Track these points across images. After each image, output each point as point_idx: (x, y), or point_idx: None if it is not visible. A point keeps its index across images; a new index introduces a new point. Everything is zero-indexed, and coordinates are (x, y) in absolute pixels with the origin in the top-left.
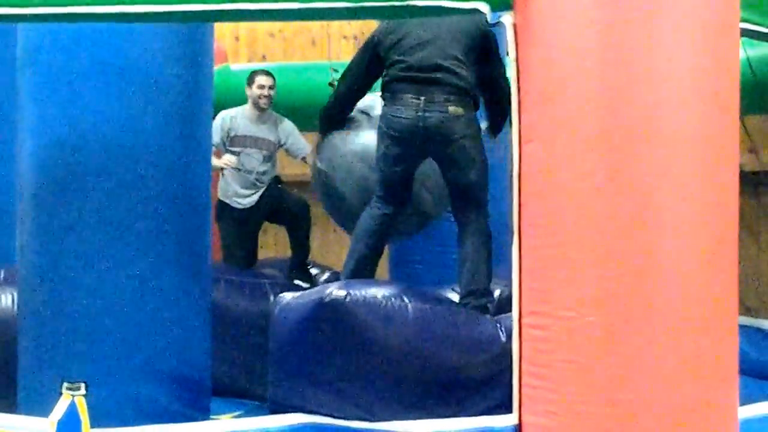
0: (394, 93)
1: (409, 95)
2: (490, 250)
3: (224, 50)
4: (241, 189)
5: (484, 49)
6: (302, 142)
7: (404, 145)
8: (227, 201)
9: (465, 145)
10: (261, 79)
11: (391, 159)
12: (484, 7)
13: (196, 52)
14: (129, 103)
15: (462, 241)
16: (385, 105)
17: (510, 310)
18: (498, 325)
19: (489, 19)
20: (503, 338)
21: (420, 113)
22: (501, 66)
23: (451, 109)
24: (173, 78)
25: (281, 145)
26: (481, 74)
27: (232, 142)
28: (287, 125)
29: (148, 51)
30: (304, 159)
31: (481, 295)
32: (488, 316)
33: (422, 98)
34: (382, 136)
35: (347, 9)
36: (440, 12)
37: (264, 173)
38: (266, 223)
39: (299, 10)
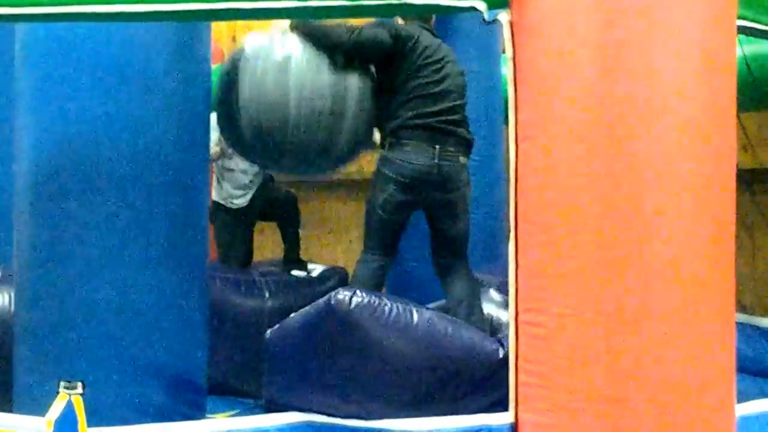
0: (403, 139)
1: (423, 143)
2: (479, 294)
3: (222, 50)
4: (234, 190)
5: None
6: None
7: (411, 191)
8: (222, 202)
9: (465, 193)
10: None
11: (393, 205)
12: (481, 5)
13: (194, 52)
14: (126, 102)
15: (450, 286)
16: (390, 150)
17: None
18: (499, 343)
19: (486, 17)
20: (501, 354)
21: (435, 160)
22: None
23: (462, 159)
24: (170, 77)
25: None
26: None
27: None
28: None
29: (146, 50)
30: None
31: None
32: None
33: (437, 147)
34: (385, 181)
35: (343, 7)
36: (436, 11)
37: (257, 173)
38: (264, 225)
39: (296, 8)
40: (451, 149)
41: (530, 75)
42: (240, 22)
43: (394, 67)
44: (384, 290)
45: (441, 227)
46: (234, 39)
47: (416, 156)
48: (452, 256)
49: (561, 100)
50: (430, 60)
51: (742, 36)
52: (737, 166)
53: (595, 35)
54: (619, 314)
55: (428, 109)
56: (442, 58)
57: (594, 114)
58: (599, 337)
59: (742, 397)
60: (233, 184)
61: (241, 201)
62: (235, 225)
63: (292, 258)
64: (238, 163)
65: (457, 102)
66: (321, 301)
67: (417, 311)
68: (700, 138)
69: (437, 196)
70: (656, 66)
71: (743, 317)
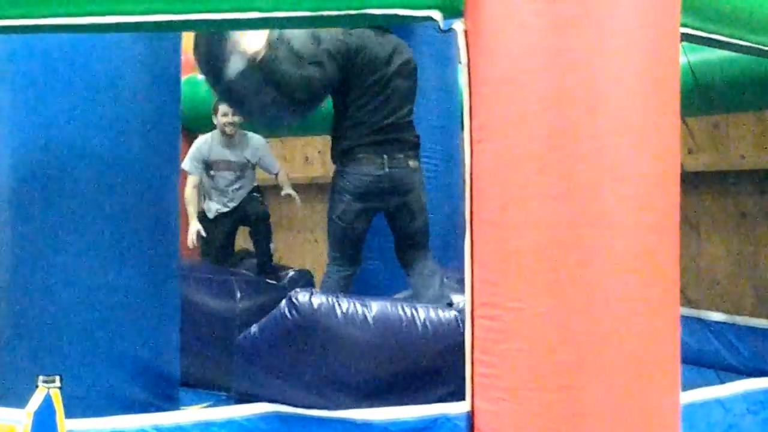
0: (355, 154)
1: (373, 155)
2: (441, 277)
3: (192, 61)
4: (217, 205)
5: None
6: (271, 159)
7: (367, 200)
8: (205, 210)
9: (419, 194)
10: (223, 108)
11: (352, 215)
12: (437, 15)
13: (164, 63)
14: (100, 111)
15: (416, 271)
16: (344, 165)
17: None
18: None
19: (442, 26)
20: (460, 324)
21: (385, 169)
22: None
23: (411, 163)
24: (142, 87)
25: (253, 164)
26: None
27: (208, 165)
28: (256, 143)
29: (119, 61)
30: (276, 175)
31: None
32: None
33: (385, 156)
34: (342, 193)
35: (307, 18)
36: (395, 21)
37: (239, 189)
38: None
39: (261, 19)
40: (400, 156)
41: (484, 81)
42: None
43: (343, 91)
44: None
45: (400, 226)
46: None
47: (368, 167)
48: (413, 250)
49: (513, 105)
50: (375, 77)
51: (686, 43)
52: (684, 168)
53: (545, 43)
54: (570, 308)
55: (376, 126)
56: (389, 71)
57: (544, 117)
58: (550, 329)
59: (687, 385)
60: (217, 199)
61: (223, 210)
62: (215, 226)
63: (264, 269)
64: (218, 182)
65: (403, 111)
66: (282, 302)
67: (373, 303)
68: (646, 140)
69: (392, 200)
70: (604, 72)
71: (688, 311)
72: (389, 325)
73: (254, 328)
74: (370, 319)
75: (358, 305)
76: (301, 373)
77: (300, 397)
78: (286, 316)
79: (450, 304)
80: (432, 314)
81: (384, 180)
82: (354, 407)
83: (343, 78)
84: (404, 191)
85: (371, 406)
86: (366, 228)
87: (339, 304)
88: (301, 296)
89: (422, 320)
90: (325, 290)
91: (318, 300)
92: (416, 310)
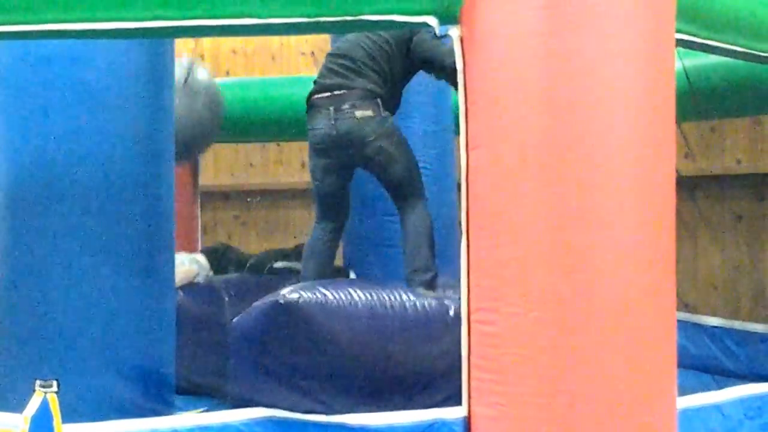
0: (310, 108)
1: (322, 108)
2: (430, 230)
3: None
4: None
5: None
6: None
7: (326, 154)
8: None
9: (381, 145)
10: None
11: (319, 171)
12: (433, 21)
13: (158, 69)
14: (94, 118)
15: (403, 225)
16: (307, 120)
17: None
18: (447, 304)
19: (438, 32)
20: (451, 312)
21: (332, 122)
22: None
23: (358, 114)
24: (137, 94)
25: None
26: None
27: None
28: None
29: (113, 68)
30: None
31: (425, 271)
32: (433, 292)
33: (331, 108)
34: (309, 150)
35: (303, 24)
36: (391, 26)
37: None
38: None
39: (258, 25)
40: (346, 107)
41: (480, 87)
42: (205, 40)
43: None
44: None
45: (378, 177)
46: (202, 57)
47: (319, 121)
48: (400, 198)
49: (509, 111)
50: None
51: (681, 48)
52: (680, 173)
53: (541, 49)
54: (565, 313)
55: (324, 77)
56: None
57: (540, 123)
58: (546, 334)
59: (684, 390)
60: None
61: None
62: None
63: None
64: None
65: (355, 61)
66: (270, 299)
67: (363, 302)
68: (641, 145)
69: (351, 154)
70: (599, 77)
71: (685, 315)
72: (380, 325)
73: (246, 316)
74: (359, 317)
75: (345, 299)
76: (291, 372)
77: (295, 400)
78: (274, 313)
79: (428, 283)
80: (423, 315)
81: (333, 133)
82: (347, 411)
83: None
84: (359, 143)
85: (365, 410)
86: (340, 184)
87: (326, 300)
88: (288, 294)
89: (414, 322)
90: (308, 245)
91: (306, 297)
92: (407, 310)
